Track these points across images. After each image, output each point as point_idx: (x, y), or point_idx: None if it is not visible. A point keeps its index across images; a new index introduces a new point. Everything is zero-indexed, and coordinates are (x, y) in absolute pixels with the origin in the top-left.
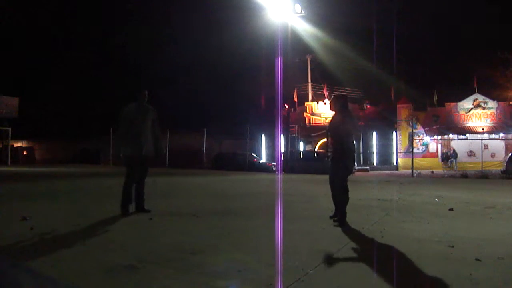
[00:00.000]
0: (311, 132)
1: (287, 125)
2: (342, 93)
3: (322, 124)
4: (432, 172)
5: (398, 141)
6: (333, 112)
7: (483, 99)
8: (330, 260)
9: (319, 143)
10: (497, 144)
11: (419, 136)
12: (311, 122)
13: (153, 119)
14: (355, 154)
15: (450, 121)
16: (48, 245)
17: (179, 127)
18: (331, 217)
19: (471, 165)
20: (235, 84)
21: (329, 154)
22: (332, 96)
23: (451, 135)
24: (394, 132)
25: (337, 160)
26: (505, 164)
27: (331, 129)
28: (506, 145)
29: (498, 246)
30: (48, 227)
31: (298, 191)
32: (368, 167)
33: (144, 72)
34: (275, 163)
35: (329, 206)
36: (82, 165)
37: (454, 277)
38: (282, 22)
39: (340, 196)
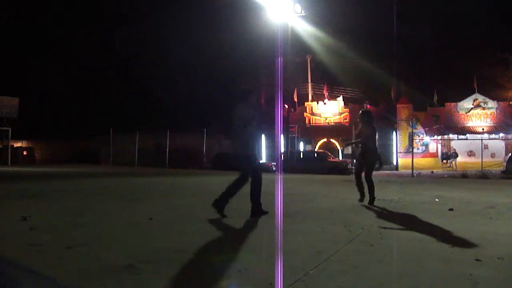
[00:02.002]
0: (311, 132)
1: (287, 125)
2: (368, 109)
3: (322, 124)
4: (432, 172)
5: (398, 141)
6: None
7: (483, 99)
8: (330, 260)
9: (319, 143)
10: (497, 144)
11: (419, 136)
12: (311, 122)
13: None
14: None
15: (450, 121)
16: (48, 245)
17: (179, 127)
18: (359, 200)
19: (471, 165)
20: (235, 84)
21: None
22: (360, 111)
23: (451, 135)
24: (394, 132)
25: (369, 160)
26: (505, 164)
27: (363, 139)
28: (506, 145)
29: (498, 246)
30: (48, 227)
31: (298, 191)
32: None
33: (144, 72)
34: (275, 163)
35: (329, 206)
36: (82, 165)
37: (454, 277)
38: (282, 22)
39: (371, 185)
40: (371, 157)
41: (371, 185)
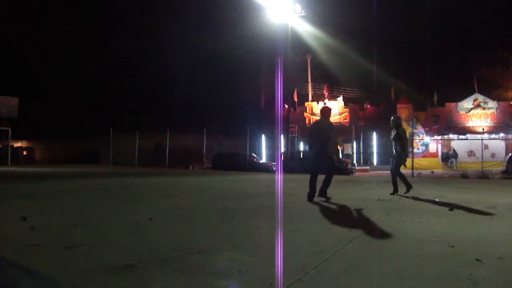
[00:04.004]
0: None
1: (287, 125)
2: (396, 116)
3: None
4: (432, 172)
5: None
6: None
7: (483, 99)
8: (330, 260)
9: None
10: (497, 144)
11: (419, 136)
12: (311, 122)
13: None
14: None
15: (450, 121)
16: (48, 245)
17: (179, 127)
18: (391, 194)
19: (471, 165)
20: (235, 84)
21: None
22: (392, 118)
23: (451, 135)
24: None
25: (398, 157)
26: (505, 164)
27: (395, 140)
28: (506, 145)
29: (498, 246)
30: (48, 227)
31: (298, 191)
32: (368, 167)
33: (144, 72)
34: (275, 163)
35: (329, 206)
36: (82, 165)
37: (454, 277)
38: (282, 22)
39: (401, 176)
40: (398, 155)
41: (400, 177)
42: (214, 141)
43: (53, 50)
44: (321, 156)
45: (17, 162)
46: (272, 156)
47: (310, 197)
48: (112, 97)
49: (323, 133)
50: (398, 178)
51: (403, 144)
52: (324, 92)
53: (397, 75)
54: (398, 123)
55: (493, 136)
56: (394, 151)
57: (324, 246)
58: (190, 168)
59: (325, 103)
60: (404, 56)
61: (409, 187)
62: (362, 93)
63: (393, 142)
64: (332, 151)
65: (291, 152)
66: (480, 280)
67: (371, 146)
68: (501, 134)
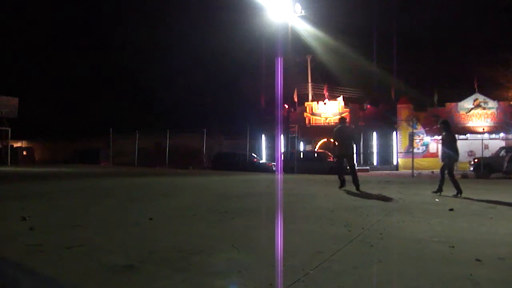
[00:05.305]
0: (311, 132)
1: (287, 125)
2: (445, 120)
3: (322, 124)
4: (432, 172)
5: (398, 141)
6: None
7: (484, 99)
8: (330, 260)
9: (319, 143)
10: (497, 144)
11: (419, 136)
12: (311, 122)
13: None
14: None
15: (451, 121)
16: (48, 245)
17: (179, 127)
18: (433, 192)
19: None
20: (235, 84)
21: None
22: (440, 122)
23: None
24: (394, 132)
25: (448, 159)
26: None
27: (444, 143)
28: (507, 145)
29: (498, 246)
30: (48, 227)
31: (298, 191)
32: (368, 167)
33: (144, 72)
34: (275, 163)
35: (329, 206)
36: (82, 165)
37: (454, 277)
38: (282, 22)
39: (443, 178)
40: (448, 158)
41: (443, 179)
42: (214, 141)
43: (53, 49)
44: (345, 156)
45: (16, 162)
46: (272, 156)
47: (341, 187)
48: (112, 97)
49: (346, 137)
50: (444, 178)
51: (456, 146)
52: (324, 92)
53: (397, 75)
54: (444, 128)
55: (493, 136)
56: (443, 152)
57: (324, 246)
58: (190, 168)
59: (325, 103)
60: (404, 56)
61: (459, 191)
62: (362, 93)
63: (446, 144)
64: (352, 151)
65: (291, 152)
66: (480, 280)
67: (371, 146)
68: (501, 134)
